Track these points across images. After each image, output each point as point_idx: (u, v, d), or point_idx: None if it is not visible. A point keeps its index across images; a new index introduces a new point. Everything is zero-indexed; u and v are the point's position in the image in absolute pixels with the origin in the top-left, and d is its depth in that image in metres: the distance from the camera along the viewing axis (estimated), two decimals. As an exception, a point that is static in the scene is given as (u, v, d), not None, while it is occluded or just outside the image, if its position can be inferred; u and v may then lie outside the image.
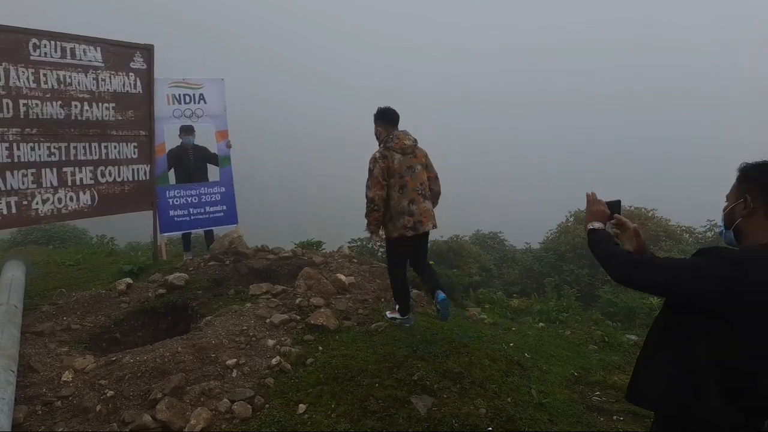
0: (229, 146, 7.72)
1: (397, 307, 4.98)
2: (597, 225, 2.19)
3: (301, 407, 3.62)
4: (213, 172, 7.74)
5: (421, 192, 4.61)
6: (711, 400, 1.75)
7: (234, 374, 3.96)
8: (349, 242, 10.49)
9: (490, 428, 3.44)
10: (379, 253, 9.03)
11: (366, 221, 4.64)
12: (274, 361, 4.14)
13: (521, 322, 6.41)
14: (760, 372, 1.75)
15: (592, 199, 2.30)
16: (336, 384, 3.84)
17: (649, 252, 2.16)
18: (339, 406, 3.62)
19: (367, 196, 4.55)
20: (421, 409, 3.57)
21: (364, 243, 10.50)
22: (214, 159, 7.67)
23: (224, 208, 7.74)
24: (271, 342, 4.47)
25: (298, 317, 4.95)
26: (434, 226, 4.72)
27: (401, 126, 4.76)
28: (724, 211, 1.98)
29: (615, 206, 2.30)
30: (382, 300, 5.65)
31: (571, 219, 13.34)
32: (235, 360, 4.10)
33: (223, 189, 7.74)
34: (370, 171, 4.55)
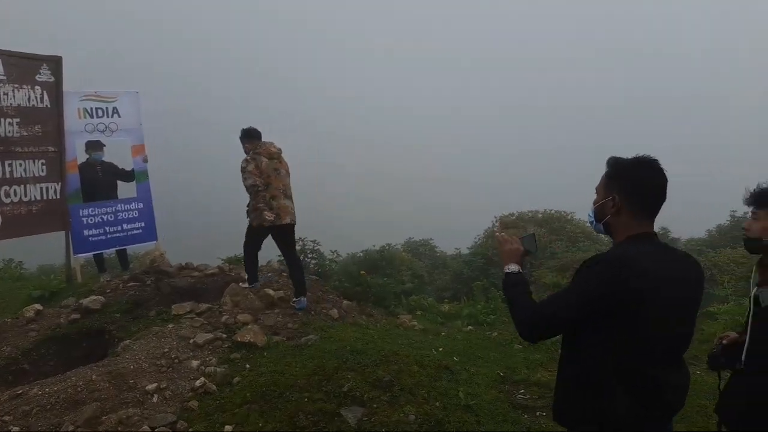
0: (145, 161, 7.39)
1: (246, 277, 5.73)
2: (512, 268, 2.06)
3: (228, 428, 3.51)
4: (128, 189, 7.37)
5: (283, 191, 5.45)
6: (619, 403, 1.76)
7: (155, 399, 3.78)
8: (279, 256, 10.26)
9: (419, 434, 3.48)
10: (311, 265, 8.92)
11: (254, 209, 5.33)
12: (198, 382, 3.99)
13: (450, 326, 6.54)
14: (656, 367, 1.80)
15: (503, 240, 2.17)
16: (264, 402, 3.76)
17: None
18: (267, 424, 3.54)
19: (249, 186, 5.30)
20: (351, 421, 3.56)
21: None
22: (124, 175, 7.30)
23: (143, 224, 7.40)
24: (195, 363, 4.31)
25: (225, 335, 4.81)
26: (293, 222, 5.55)
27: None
28: (594, 204, 2.00)
29: (529, 241, 2.16)
30: (312, 312, 5.59)
31: (497, 223, 13.78)
32: (156, 384, 3.91)
33: (140, 205, 7.39)
34: (244, 169, 5.33)
